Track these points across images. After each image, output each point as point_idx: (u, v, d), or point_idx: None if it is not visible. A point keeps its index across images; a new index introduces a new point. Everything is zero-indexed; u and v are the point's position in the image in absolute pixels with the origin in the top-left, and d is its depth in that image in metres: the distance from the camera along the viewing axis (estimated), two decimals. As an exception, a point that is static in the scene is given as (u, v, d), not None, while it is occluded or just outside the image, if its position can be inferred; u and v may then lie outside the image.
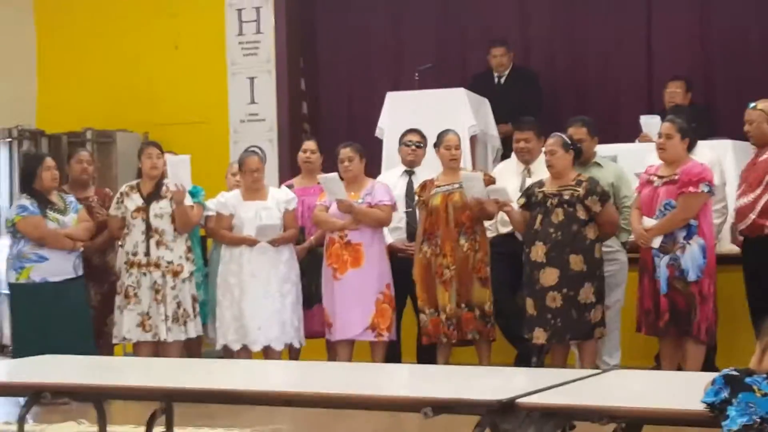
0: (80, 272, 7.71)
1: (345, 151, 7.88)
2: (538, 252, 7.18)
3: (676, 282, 6.89)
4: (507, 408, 3.77)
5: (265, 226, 7.75)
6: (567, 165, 7.25)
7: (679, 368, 7.01)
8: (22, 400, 5.02)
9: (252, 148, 8.53)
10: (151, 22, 10.93)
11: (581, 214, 7.15)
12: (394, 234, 8.09)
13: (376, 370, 5.90)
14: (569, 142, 7.29)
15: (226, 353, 7.80)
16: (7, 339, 9.63)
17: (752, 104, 7.23)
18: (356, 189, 7.79)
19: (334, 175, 7.78)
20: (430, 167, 8.06)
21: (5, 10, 11.01)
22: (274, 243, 7.77)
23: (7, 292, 7.99)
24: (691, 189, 6.89)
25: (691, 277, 6.87)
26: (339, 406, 4.56)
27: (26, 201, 7.68)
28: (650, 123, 8.62)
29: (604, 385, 4.37)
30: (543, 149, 7.49)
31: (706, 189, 6.92)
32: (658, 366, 7.28)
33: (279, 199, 7.91)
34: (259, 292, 7.72)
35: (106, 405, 5.20)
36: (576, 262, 7.11)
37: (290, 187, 8.30)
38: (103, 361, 6.22)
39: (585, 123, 7.76)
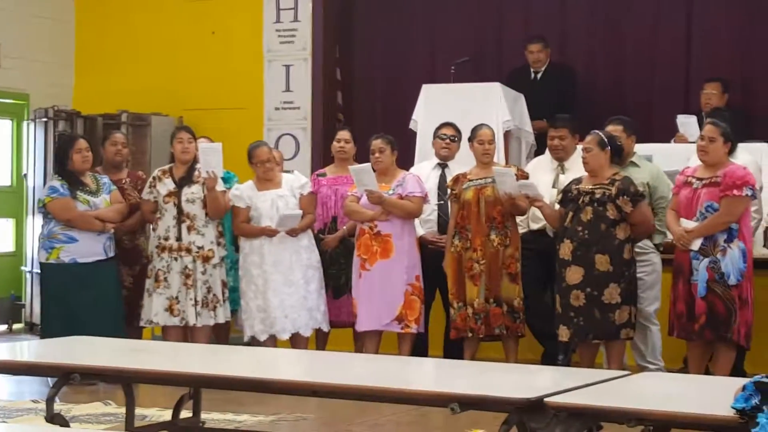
0: (111, 254, 7.74)
1: (376, 143, 7.88)
2: (565, 249, 7.15)
3: (716, 285, 6.82)
4: (535, 406, 3.76)
5: (288, 216, 7.73)
6: (602, 163, 7.20)
7: (707, 372, 6.97)
8: (49, 379, 5.05)
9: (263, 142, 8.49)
10: (188, 7, 10.94)
11: (611, 214, 7.09)
12: (425, 226, 8.08)
13: (403, 363, 5.89)
14: (606, 140, 7.24)
15: (254, 341, 7.80)
16: (37, 318, 9.68)
17: None
18: (387, 180, 7.79)
19: (367, 165, 7.76)
20: (463, 161, 8.04)
21: (45, -8, 11.09)
22: (294, 233, 7.77)
23: (39, 271, 8.03)
24: (735, 192, 6.81)
25: (732, 280, 6.80)
26: (366, 399, 4.56)
27: (57, 182, 7.72)
28: (687, 123, 8.56)
29: (633, 387, 4.35)
30: (579, 146, 7.44)
31: (749, 192, 6.85)
32: (686, 368, 7.23)
33: (293, 185, 7.90)
34: (283, 281, 7.72)
35: (134, 388, 5.22)
36: (602, 261, 7.05)
37: (323, 175, 8.31)
38: (132, 344, 6.24)
39: (622, 122, 7.70)
